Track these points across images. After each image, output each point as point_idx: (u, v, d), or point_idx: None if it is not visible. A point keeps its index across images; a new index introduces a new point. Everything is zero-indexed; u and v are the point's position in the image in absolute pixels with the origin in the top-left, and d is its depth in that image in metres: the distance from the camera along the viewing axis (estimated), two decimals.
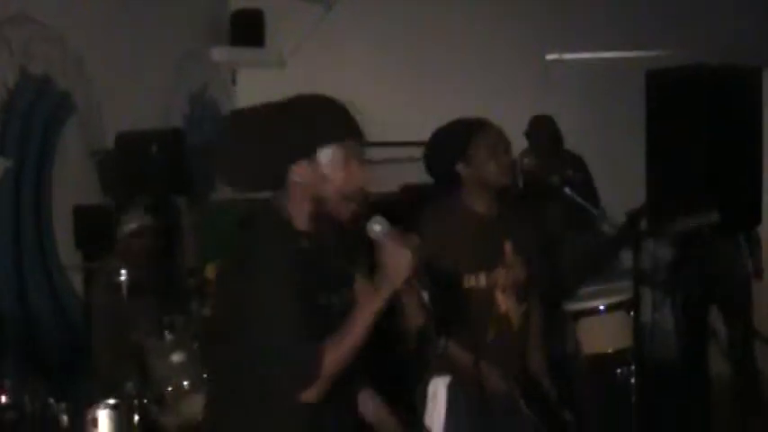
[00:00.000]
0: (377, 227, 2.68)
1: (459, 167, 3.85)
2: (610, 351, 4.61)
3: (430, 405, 3.77)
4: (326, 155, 2.72)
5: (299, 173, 2.71)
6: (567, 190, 4.39)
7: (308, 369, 2.60)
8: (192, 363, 4.88)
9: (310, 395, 2.62)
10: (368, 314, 2.65)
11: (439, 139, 3.95)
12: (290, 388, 2.62)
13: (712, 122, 6.01)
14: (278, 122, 2.74)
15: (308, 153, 2.71)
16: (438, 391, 3.77)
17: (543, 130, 6.81)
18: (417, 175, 6.90)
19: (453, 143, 3.89)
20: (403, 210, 4.60)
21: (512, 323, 3.91)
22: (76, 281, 6.08)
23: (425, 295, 2.68)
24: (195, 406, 4.56)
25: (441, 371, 3.77)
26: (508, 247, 3.90)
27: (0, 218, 5.65)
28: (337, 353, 2.62)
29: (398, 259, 2.64)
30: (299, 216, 2.74)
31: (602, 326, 4.64)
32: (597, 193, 6.60)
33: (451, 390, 3.76)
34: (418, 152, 7.16)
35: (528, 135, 6.76)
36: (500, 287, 3.88)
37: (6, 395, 4.40)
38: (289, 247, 2.67)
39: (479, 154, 3.83)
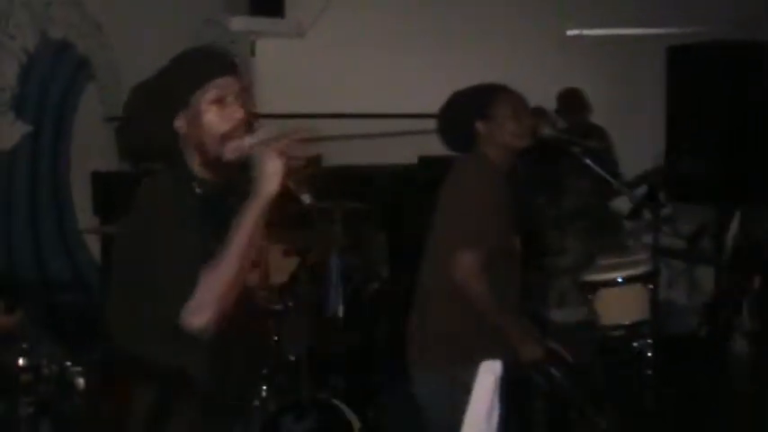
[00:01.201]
0: (248, 139, 2.65)
1: (479, 125, 3.81)
2: (626, 323, 4.60)
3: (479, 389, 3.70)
4: (197, 99, 2.68)
5: (180, 125, 2.70)
6: (588, 161, 4.37)
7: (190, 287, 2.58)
8: None
9: (194, 321, 2.58)
10: (247, 222, 2.60)
11: (459, 97, 3.91)
12: (176, 310, 2.58)
13: (732, 97, 6.01)
14: (157, 84, 2.75)
15: (183, 103, 2.70)
16: (488, 378, 3.68)
17: (572, 101, 6.87)
18: (436, 146, 6.95)
19: (475, 101, 3.86)
20: (421, 181, 4.59)
21: (516, 293, 3.90)
22: (93, 246, 6.09)
23: (306, 198, 2.64)
24: None
25: (486, 341, 3.67)
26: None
27: (18, 182, 5.65)
28: (220, 267, 2.58)
29: (270, 163, 2.59)
30: (196, 168, 2.73)
31: (619, 298, 4.63)
32: (617, 165, 6.60)
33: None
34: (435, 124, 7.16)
35: (558, 109, 6.82)
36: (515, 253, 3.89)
37: (24, 358, 4.41)
38: (183, 190, 2.69)
39: (501, 113, 3.80)
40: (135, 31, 6.70)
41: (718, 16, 7.50)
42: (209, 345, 2.65)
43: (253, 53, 8.36)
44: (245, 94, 2.75)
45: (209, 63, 2.74)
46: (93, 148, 6.18)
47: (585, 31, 8.30)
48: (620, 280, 4.63)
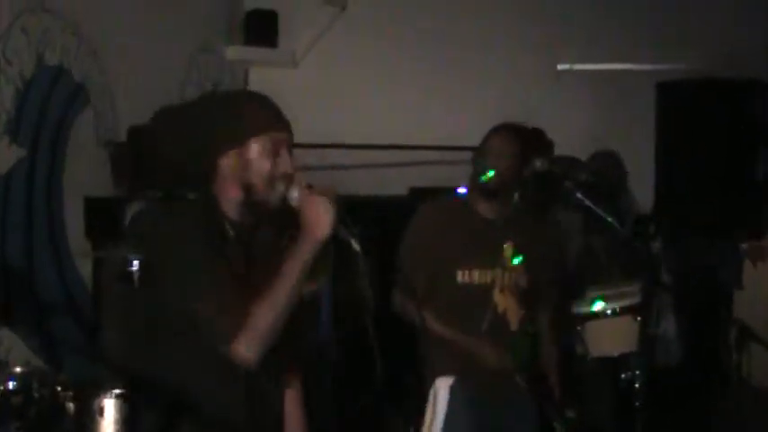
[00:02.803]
0: (294, 192, 2.79)
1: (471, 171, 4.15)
2: (615, 355, 4.64)
3: (431, 406, 3.84)
4: (251, 144, 2.84)
5: (227, 164, 2.84)
6: (578, 195, 4.42)
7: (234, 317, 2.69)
8: None
9: (243, 352, 2.69)
10: (293, 268, 2.75)
11: None
12: (220, 336, 2.70)
13: (720, 133, 6.08)
14: (205, 116, 2.89)
15: (237, 144, 2.84)
16: (439, 392, 3.83)
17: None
18: (426, 178, 7.00)
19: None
20: (411, 212, 4.65)
21: (509, 323, 4.02)
22: (86, 270, 6.12)
23: (355, 243, 2.74)
24: None
25: (444, 372, 3.83)
26: (508, 249, 4.04)
27: (12, 206, 5.67)
28: (265, 305, 2.70)
29: (318, 209, 2.74)
30: (229, 206, 2.87)
31: (609, 329, 4.68)
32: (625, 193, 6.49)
33: (453, 390, 3.83)
34: (427, 155, 7.26)
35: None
36: (498, 287, 4.00)
37: (13, 381, 4.41)
38: (214, 227, 2.83)
39: (478, 157, 4.14)
40: (130, 58, 6.75)
41: (709, 53, 7.58)
42: (245, 377, 2.74)
43: (246, 82, 8.41)
44: (291, 148, 2.91)
45: (271, 115, 2.91)
46: (86, 174, 6.22)
47: (576, 66, 8.37)
48: (609, 312, 4.68)
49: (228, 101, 3.00)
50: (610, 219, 4.80)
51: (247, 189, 2.82)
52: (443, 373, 3.82)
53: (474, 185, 4.08)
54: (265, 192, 2.82)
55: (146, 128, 2.97)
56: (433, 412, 3.76)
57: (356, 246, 2.77)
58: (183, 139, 2.86)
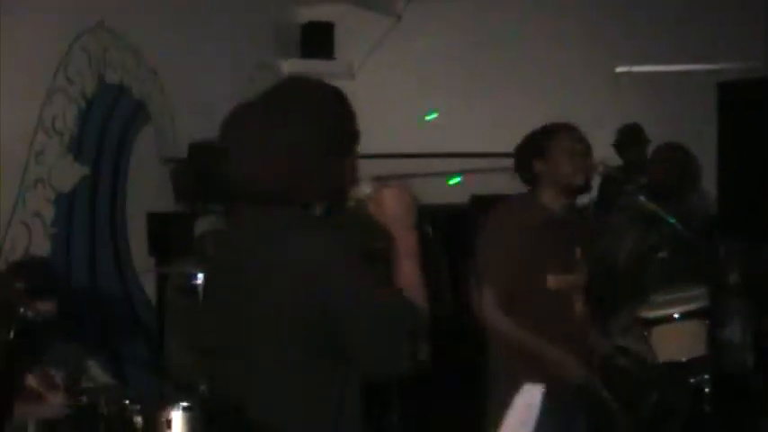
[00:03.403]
0: (366, 188, 2.64)
1: (537, 165, 3.93)
2: (684, 360, 4.57)
3: (519, 412, 3.73)
4: None
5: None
6: (641, 198, 4.38)
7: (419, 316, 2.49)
8: None
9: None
10: (409, 257, 2.57)
11: (523, 139, 4.06)
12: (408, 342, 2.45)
13: None
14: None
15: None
16: (532, 400, 3.71)
17: (630, 137, 6.87)
18: (487, 186, 6.97)
19: (533, 142, 4.00)
20: (472, 221, 4.62)
21: (584, 326, 3.97)
22: (149, 286, 6.17)
23: (430, 230, 2.67)
24: None
25: (528, 371, 3.72)
26: (578, 251, 3.98)
27: (76, 223, 5.75)
28: (419, 297, 2.53)
29: (396, 199, 2.60)
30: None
31: (676, 334, 4.61)
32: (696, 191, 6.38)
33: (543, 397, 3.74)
34: (487, 163, 7.22)
35: (617, 144, 6.82)
36: (575, 289, 3.94)
37: (84, 397, 4.47)
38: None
39: (555, 152, 3.92)
40: (189, 76, 6.82)
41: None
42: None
43: None
44: None
45: None
46: (148, 190, 6.28)
47: (635, 68, 8.30)
48: (676, 316, 4.61)
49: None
50: (673, 221, 4.75)
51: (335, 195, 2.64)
52: (527, 380, 3.71)
53: (555, 182, 3.93)
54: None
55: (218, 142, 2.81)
56: (520, 418, 3.66)
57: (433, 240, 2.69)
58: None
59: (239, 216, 2.75)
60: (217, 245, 2.85)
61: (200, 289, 4.62)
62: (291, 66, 8.26)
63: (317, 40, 8.43)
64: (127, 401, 4.56)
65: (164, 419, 4.46)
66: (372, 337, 2.43)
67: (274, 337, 2.47)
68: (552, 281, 3.89)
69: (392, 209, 2.59)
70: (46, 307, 4.38)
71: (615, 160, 6.84)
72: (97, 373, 5.37)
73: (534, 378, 3.50)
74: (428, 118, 6.98)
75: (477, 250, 3.96)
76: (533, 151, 3.96)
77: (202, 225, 5.24)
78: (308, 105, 2.59)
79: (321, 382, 2.49)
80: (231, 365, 2.60)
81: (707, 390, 4.49)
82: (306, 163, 2.53)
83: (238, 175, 2.62)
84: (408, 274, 2.57)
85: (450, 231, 6.84)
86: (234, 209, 3.04)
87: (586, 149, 3.99)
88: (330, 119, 2.60)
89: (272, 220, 2.56)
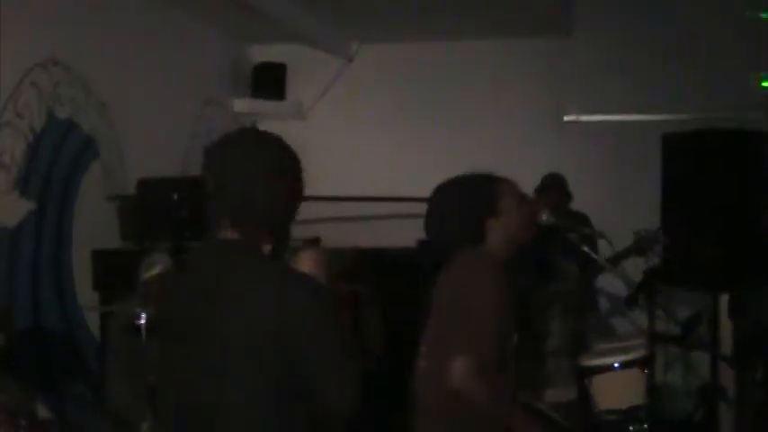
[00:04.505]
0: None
1: (490, 222, 3.80)
2: (623, 408, 4.62)
3: None
4: None
5: None
6: (584, 248, 4.46)
7: None
8: None
9: None
10: None
11: (463, 195, 3.88)
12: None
13: (728, 184, 6.07)
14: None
15: None
16: None
17: (555, 188, 6.93)
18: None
19: (482, 197, 3.83)
20: (419, 264, 4.65)
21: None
22: (92, 323, 6.13)
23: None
24: None
25: None
26: None
27: (21, 259, 5.70)
28: None
29: (315, 261, 2.90)
30: None
31: (616, 383, 4.67)
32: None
33: None
34: None
35: (539, 190, 6.86)
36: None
37: None
38: None
39: (508, 207, 3.81)
40: (139, 111, 6.82)
41: (714, 104, 7.62)
42: None
43: None
44: None
45: None
46: (94, 226, 6.25)
47: (582, 117, 8.42)
48: (616, 365, 4.67)
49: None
50: (608, 267, 4.81)
51: None
52: None
53: (506, 239, 3.81)
54: None
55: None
56: None
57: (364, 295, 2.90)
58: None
59: (197, 255, 2.85)
60: (173, 284, 2.93)
61: (144, 329, 4.60)
62: (241, 105, 8.30)
63: (270, 80, 8.47)
64: None
65: None
66: (336, 383, 2.68)
67: (242, 373, 2.63)
68: (516, 337, 3.74)
69: (308, 270, 2.82)
70: None
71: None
72: (39, 410, 5.31)
73: None
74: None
75: (449, 313, 3.69)
76: (484, 210, 3.80)
77: (149, 262, 5.23)
78: (278, 152, 2.83)
79: (286, 414, 2.68)
80: (192, 402, 2.72)
81: None
82: (278, 202, 2.77)
83: (222, 201, 2.78)
84: None
85: (397, 274, 6.87)
86: (183, 248, 3.10)
87: (529, 200, 3.99)
88: (296, 168, 2.84)
89: (238, 262, 2.73)
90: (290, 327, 2.62)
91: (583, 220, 6.98)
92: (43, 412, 5.41)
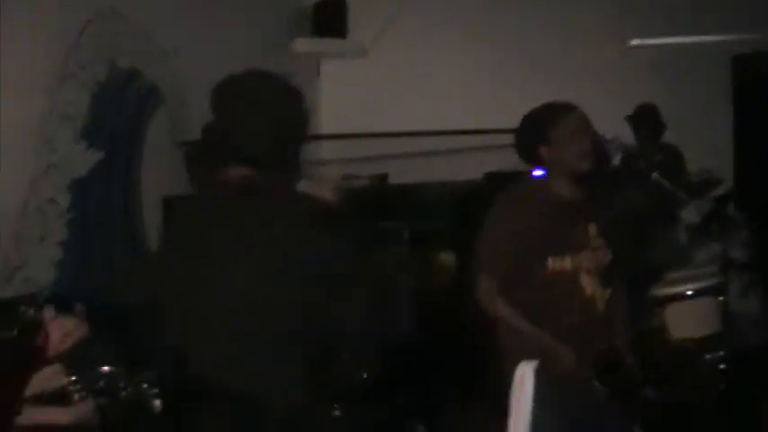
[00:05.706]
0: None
1: (542, 150, 3.91)
2: (697, 337, 4.57)
3: (517, 390, 3.78)
4: None
5: None
6: (655, 175, 4.37)
7: None
8: None
9: None
10: None
11: (525, 122, 4.02)
12: None
13: None
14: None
15: None
16: (525, 375, 3.77)
17: (646, 118, 6.83)
18: (501, 162, 6.96)
19: (536, 126, 3.95)
20: (487, 197, 4.62)
21: (597, 307, 3.94)
22: None
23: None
24: None
25: (528, 356, 3.76)
26: (592, 229, 3.95)
27: (92, 208, 5.76)
28: None
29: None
30: None
31: (689, 311, 4.61)
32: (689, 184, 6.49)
33: (539, 374, 3.76)
34: (501, 140, 7.18)
35: (633, 120, 6.78)
36: (585, 270, 3.91)
37: (102, 380, 4.49)
38: None
39: (559, 138, 3.89)
40: (201, 57, 6.81)
41: None
42: None
43: (318, 73, 8.45)
44: None
45: None
46: (163, 174, 6.29)
47: (648, 41, 8.24)
48: (689, 293, 4.61)
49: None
50: (685, 197, 4.75)
51: None
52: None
53: (561, 168, 3.92)
54: None
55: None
56: (519, 396, 3.70)
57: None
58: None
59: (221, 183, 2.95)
60: (192, 209, 2.97)
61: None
62: (303, 45, 8.26)
63: (330, 18, 8.40)
64: (145, 385, 4.59)
65: None
66: (352, 305, 2.79)
67: (259, 303, 2.76)
68: (556, 263, 3.88)
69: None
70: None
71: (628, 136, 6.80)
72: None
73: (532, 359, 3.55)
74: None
75: (477, 238, 3.99)
76: (536, 136, 3.93)
77: None
78: (286, 88, 3.05)
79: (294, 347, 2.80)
80: (198, 330, 2.93)
81: (722, 366, 4.48)
82: (286, 131, 2.93)
83: (230, 135, 2.94)
84: None
85: (466, 208, 6.84)
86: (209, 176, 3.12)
87: (589, 131, 3.97)
88: (301, 105, 3.02)
89: (251, 195, 2.85)
90: (308, 253, 2.74)
91: (674, 152, 6.84)
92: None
